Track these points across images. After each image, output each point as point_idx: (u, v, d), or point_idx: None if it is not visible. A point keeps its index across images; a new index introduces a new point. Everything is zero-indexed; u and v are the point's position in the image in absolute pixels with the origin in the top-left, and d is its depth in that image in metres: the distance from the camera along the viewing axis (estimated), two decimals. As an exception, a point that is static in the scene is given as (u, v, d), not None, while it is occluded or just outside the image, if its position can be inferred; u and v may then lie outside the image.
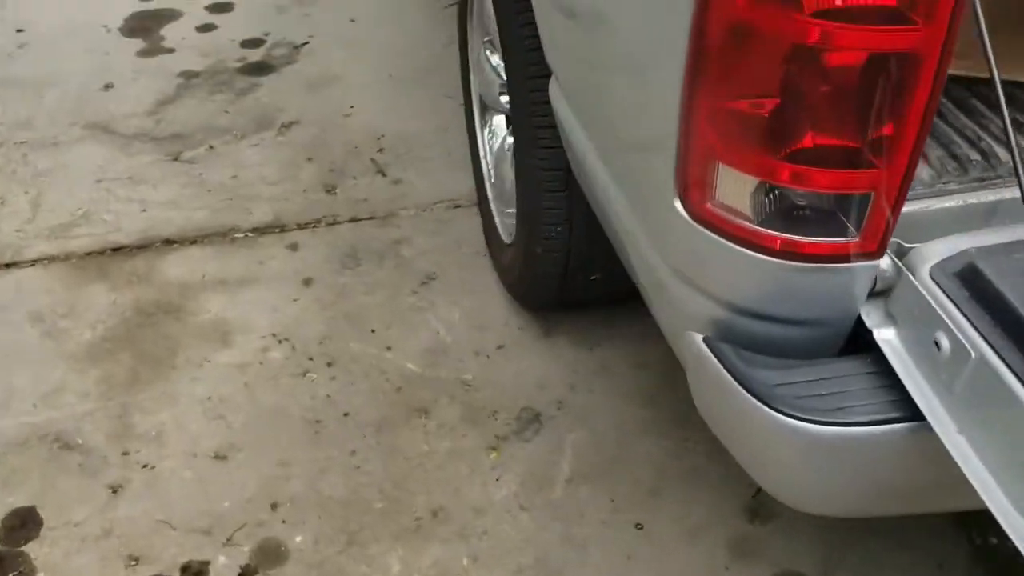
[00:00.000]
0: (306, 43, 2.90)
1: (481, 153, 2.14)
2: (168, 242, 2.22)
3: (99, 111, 2.63)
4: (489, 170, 2.12)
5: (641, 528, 1.64)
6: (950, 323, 0.88)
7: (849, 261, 0.90)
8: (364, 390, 1.88)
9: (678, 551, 1.61)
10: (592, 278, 1.74)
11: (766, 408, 0.89)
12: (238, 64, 2.82)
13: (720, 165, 0.88)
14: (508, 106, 1.99)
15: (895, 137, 0.85)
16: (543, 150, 1.56)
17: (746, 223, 0.89)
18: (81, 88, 2.72)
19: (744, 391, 0.91)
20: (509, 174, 2.00)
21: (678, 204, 0.94)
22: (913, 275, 0.92)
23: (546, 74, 1.52)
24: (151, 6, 3.09)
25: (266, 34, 2.95)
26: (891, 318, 0.95)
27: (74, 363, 1.93)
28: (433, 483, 1.71)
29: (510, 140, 1.99)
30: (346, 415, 1.84)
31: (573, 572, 1.59)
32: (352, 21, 3.01)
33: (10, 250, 2.19)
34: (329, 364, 1.93)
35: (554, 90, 1.39)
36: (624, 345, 1.95)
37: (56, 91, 2.70)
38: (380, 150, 2.49)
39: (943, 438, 0.87)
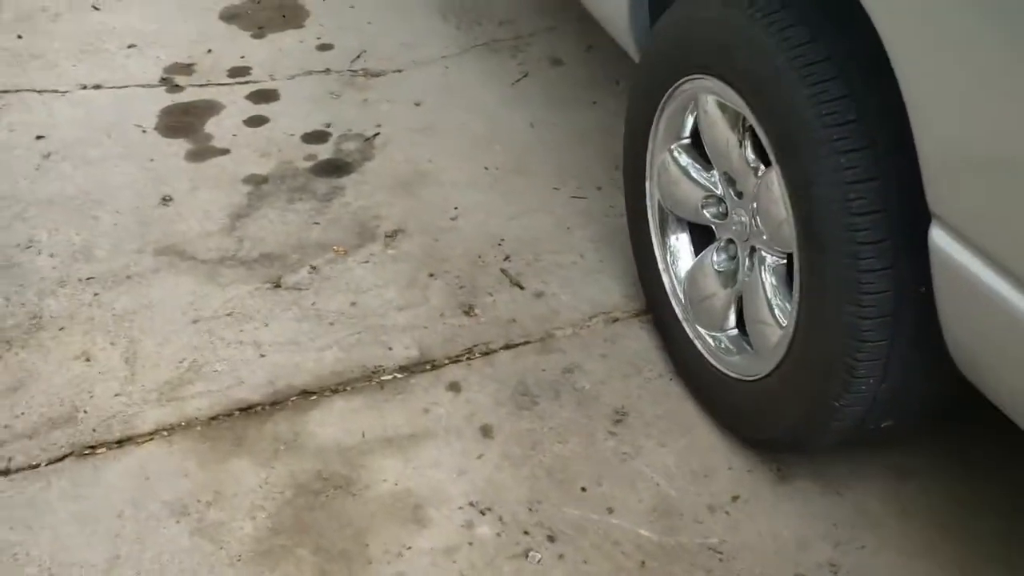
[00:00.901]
0: (376, 134, 2.60)
1: (661, 266, 1.90)
2: (305, 394, 1.90)
3: (166, 232, 2.27)
4: (675, 286, 1.88)
5: None
6: None
7: None
8: (603, 570, 1.60)
9: None
10: (883, 425, 1.51)
11: None
12: (308, 164, 2.50)
13: None
14: (715, 222, 1.75)
15: None
16: (868, 296, 1.33)
17: None
18: (136, 204, 2.35)
19: None
20: (719, 292, 1.77)
21: None
22: None
23: (877, 210, 1.30)
24: (184, 98, 2.73)
25: (327, 125, 2.63)
26: None
27: (244, 568, 1.60)
28: None
29: (719, 258, 1.76)
30: (594, 605, 1.56)
31: None
32: (417, 105, 2.72)
33: (118, 422, 1.83)
34: (551, 538, 1.65)
35: (944, 240, 1.17)
36: (876, 486, 1.72)
37: (107, 210, 2.33)
38: (507, 258, 2.21)
39: None
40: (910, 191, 1.29)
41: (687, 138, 1.79)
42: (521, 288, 2.14)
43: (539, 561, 1.62)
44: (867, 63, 1.32)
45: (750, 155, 1.60)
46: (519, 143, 2.57)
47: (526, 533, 1.66)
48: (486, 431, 1.83)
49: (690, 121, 1.76)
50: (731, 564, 1.61)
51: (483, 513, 1.68)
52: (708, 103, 1.64)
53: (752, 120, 1.50)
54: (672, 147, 1.80)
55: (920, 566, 1.61)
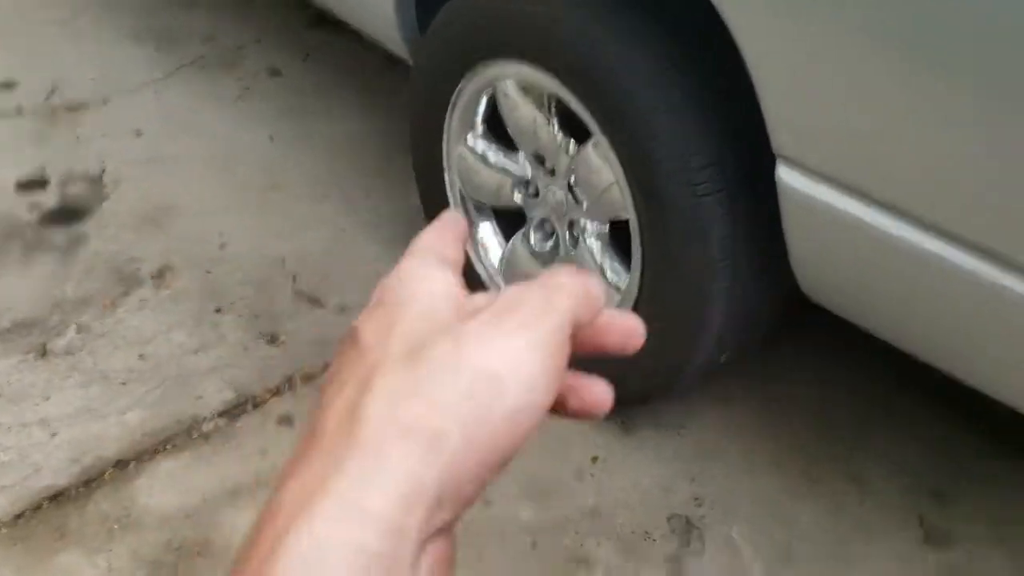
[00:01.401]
0: (103, 171, 2.36)
1: (472, 257, 1.90)
2: (121, 464, 1.69)
3: None
4: (490, 274, 1.89)
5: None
6: None
7: None
8: (500, 561, 1.60)
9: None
10: (722, 361, 1.64)
11: None
12: (34, 215, 2.22)
13: None
14: (526, 203, 1.79)
15: None
16: (712, 243, 1.43)
17: None
18: None
19: None
20: (539, 271, 1.80)
21: None
22: None
23: (712, 163, 1.40)
24: None
25: (42, 169, 2.35)
26: None
27: (119, 668, 1.40)
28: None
29: (536, 237, 1.80)
30: (503, 598, 1.55)
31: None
32: (138, 135, 2.51)
33: (-102, 547, 1.52)
34: (439, 546, 1.60)
35: (794, 179, 1.28)
36: (707, 417, 1.86)
37: None
38: (295, 278, 2.11)
39: None
40: (737, 141, 1.41)
41: (483, 124, 1.80)
42: (321, 306, 2.06)
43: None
44: (687, 30, 1.42)
45: (559, 132, 1.65)
46: (263, 159, 2.45)
47: (412, 547, 1.61)
48: (335, 456, 1.74)
49: (483, 107, 1.77)
50: (612, 522, 1.67)
51: (362, 539, 1.61)
52: (508, 87, 1.67)
53: (567, 97, 1.55)
54: (468, 136, 1.81)
55: (770, 482, 1.76)
